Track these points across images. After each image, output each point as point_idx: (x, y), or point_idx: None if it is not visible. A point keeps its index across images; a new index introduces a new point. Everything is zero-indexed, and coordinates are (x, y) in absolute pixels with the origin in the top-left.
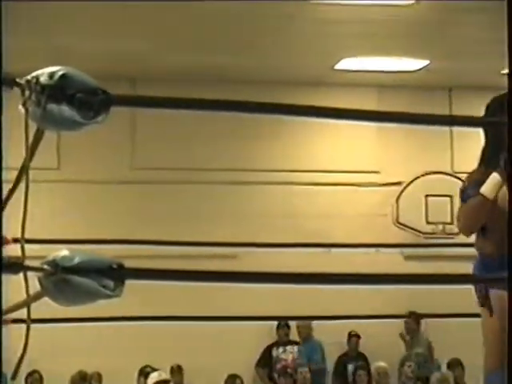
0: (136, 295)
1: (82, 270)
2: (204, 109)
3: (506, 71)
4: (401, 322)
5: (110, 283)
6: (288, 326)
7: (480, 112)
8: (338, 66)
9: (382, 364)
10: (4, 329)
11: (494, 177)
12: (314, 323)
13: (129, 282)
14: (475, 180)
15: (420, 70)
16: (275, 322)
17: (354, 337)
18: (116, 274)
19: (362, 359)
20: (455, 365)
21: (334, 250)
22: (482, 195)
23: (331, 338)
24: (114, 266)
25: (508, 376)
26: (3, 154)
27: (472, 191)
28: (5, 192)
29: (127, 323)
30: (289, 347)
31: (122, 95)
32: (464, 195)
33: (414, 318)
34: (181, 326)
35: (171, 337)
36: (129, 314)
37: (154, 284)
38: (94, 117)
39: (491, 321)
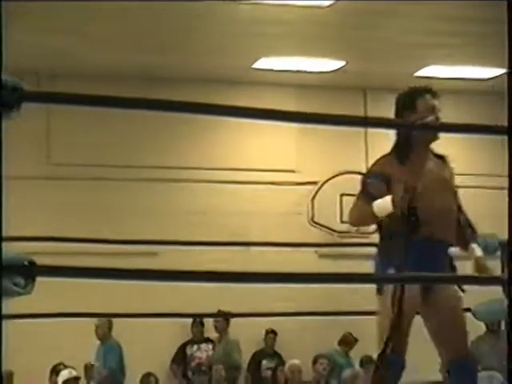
0: (46, 292)
1: None
2: (119, 106)
3: (419, 74)
4: (321, 319)
5: (21, 281)
6: (202, 324)
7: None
8: (257, 65)
9: (296, 362)
10: None
11: (387, 202)
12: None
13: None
14: (376, 168)
15: (336, 70)
16: (190, 320)
17: (270, 333)
18: (27, 272)
19: (277, 357)
20: (367, 362)
21: (252, 248)
22: (372, 210)
23: (248, 335)
24: (25, 263)
25: (508, 376)
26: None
27: (373, 180)
28: None
29: (42, 320)
30: (203, 345)
31: (34, 91)
32: (363, 180)
33: (223, 317)
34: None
35: (85, 334)
36: (43, 311)
37: (67, 280)
38: (7, 113)
39: (387, 310)
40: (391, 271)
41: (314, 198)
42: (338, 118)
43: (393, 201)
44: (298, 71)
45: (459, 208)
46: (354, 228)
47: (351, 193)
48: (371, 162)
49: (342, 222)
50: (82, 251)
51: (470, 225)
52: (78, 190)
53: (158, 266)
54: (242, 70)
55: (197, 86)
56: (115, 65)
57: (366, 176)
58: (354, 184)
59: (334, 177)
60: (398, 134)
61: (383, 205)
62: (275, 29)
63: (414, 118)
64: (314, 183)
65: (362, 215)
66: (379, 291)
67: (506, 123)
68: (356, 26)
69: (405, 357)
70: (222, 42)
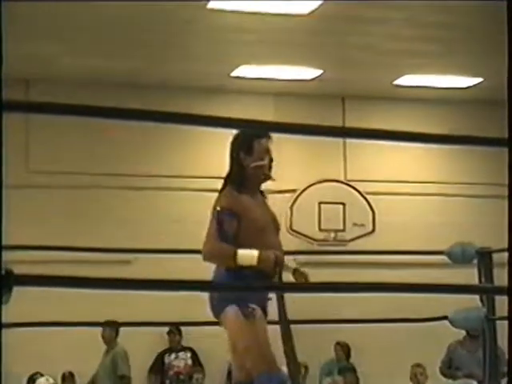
0: (25, 299)
1: None
2: (96, 116)
3: (397, 82)
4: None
5: None
6: (180, 332)
7: (371, 121)
8: (235, 73)
9: None
10: None
11: (253, 257)
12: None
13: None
14: (229, 205)
15: (314, 78)
16: (166, 328)
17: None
18: (4, 281)
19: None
20: (346, 370)
21: None
22: (235, 256)
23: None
24: (2, 273)
25: (508, 376)
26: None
27: (228, 217)
28: None
29: (17, 329)
30: (181, 353)
31: (13, 100)
32: (219, 217)
33: (110, 327)
34: (73, 331)
35: (63, 343)
36: (19, 320)
37: (43, 288)
38: None
39: (249, 327)
40: (232, 305)
41: (292, 206)
42: (316, 128)
43: (259, 258)
44: (276, 79)
45: None
46: (332, 236)
47: (329, 201)
48: (350, 170)
49: (321, 230)
50: (56, 259)
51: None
52: (54, 198)
53: (131, 274)
54: (220, 77)
55: (176, 93)
56: (95, 71)
57: (220, 211)
58: (333, 192)
59: (312, 185)
60: (235, 168)
61: (248, 258)
62: (254, 36)
63: (250, 160)
64: (293, 191)
65: (222, 256)
66: (217, 313)
67: (485, 133)
68: (334, 34)
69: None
70: (200, 50)
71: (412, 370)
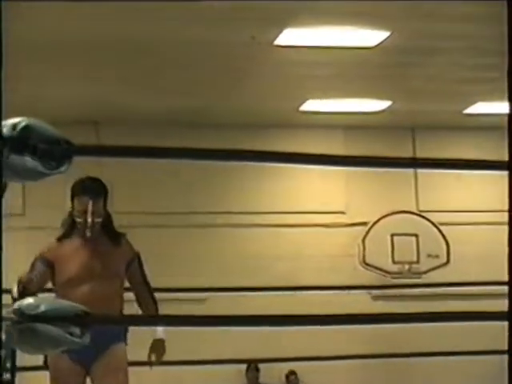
0: None
1: (47, 317)
2: (169, 157)
3: (468, 111)
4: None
5: (76, 330)
6: (257, 369)
7: (443, 151)
8: (304, 108)
9: None
10: None
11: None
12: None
13: None
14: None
15: (383, 110)
16: (244, 365)
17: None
18: (82, 321)
19: None
20: None
21: (302, 292)
22: None
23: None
24: (80, 313)
25: (508, 376)
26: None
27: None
28: None
29: None
30: None
31: (84, 145)
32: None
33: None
34: (146, 370)
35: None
36: None
37: None
38: (57, 167)
39: None
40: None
41: (364, 239)
42: (387, 160)
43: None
44: (345, 112)
45: (139, 292)
46: (406, 268)
47: (402, 232)
48: (421, 201)
49: (394, 262)
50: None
51: (153, 311)
52: (132, 238)
53: (206, 312)
54: (289, 112)
55: (244, 130)
56: (161, 112)
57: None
58: (405, 223)
59: (383, 217)
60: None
61: None
62: (321, 70)
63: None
64: (364, 224)
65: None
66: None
67: None
68: (401, 65)
69: None
70: (268, 86)
71: None
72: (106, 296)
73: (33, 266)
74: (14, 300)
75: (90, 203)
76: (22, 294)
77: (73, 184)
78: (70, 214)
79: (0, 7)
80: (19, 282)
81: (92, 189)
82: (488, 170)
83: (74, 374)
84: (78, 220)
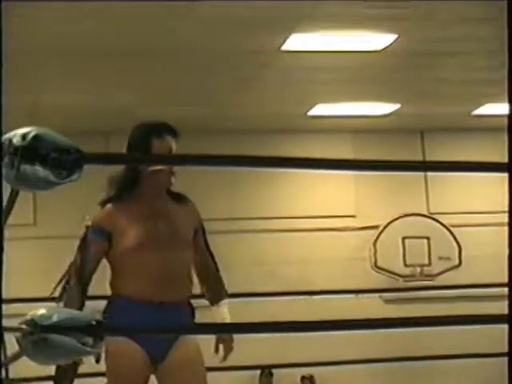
0: None
1: (60, 328)
2: (180, 164)
3: (476, 113)
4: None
5: (89, 340)
6: (271, 374)
7: (452, 154)
8: (312, 113)
9: None
10: None
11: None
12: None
13: None
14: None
15: (392, 113)
16: (258, 371)
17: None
18: (95, 331)
19: None
20: None
21: (314, 296)
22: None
23: None
24: (93, 323)
25: (508, 377)
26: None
27: (95, 235)
28: None
29: None
30: None
31: (94, 153)
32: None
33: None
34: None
35: None
36: None
37: None
38: (68, 176)
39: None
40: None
41: (375, 242)
42: (396, 163)
43: None
44: (353, 116)
45: (205, 262)
46: (418, 271)
47: (413, 235)
48: (432, 203)
49: (406, 265)
50: None
51: (219, 281)
52: None
53: (212, 318)
54: (297, 117)
55: (252, 136)
56: (171, 119)
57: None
58: (416, 226)
59: (394, 220)
60: (126, 173)
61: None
62: (329, 75)
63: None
64: (375, 227)
65: (70, 300)
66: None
67: None
68: (409, 68)
69: None
70: (276, 92)
71: None
72: (181, 265)
73: (83, 241)
74: (58, 301)
75: (174, 143)
76: (78, 282)
77: (131, 133)
78: (133, 169)
79: (0, 7)
80: (67, 273)
81: (172, 129)
82: (488, 171)
83: (140, 365)
84: (157, 168)
